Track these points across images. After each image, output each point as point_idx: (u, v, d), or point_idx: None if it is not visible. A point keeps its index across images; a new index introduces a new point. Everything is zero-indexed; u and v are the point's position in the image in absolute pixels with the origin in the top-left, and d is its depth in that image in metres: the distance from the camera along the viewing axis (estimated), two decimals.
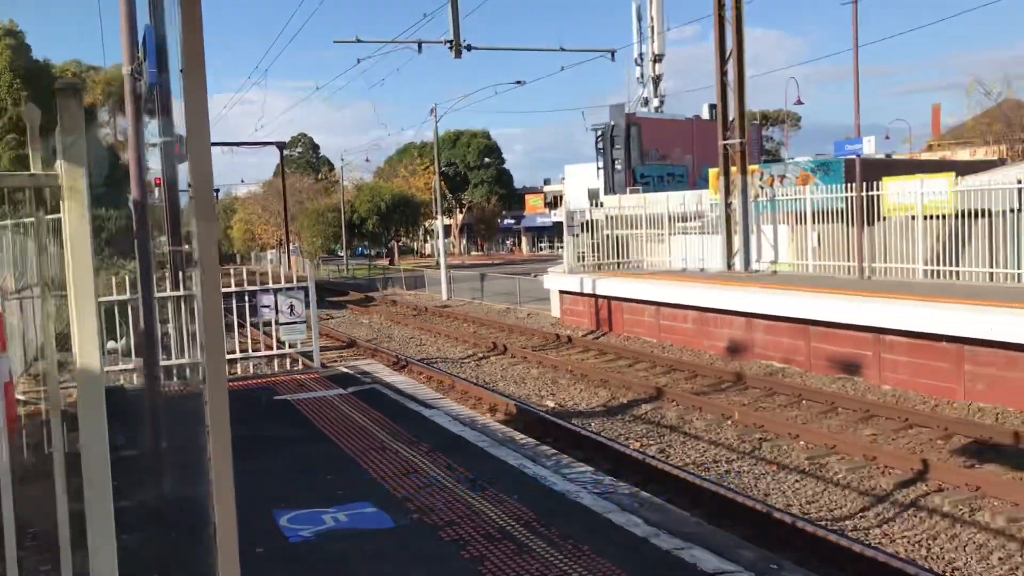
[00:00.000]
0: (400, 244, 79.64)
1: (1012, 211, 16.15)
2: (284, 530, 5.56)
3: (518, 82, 32.65)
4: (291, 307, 11.32)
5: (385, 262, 69.64)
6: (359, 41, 26.50)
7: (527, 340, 21.48)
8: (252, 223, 73.45)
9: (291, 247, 58.64)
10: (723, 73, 21.12)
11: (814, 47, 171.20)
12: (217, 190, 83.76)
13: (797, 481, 9.86)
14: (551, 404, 14.37)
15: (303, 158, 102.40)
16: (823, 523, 8.41)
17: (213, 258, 2.29)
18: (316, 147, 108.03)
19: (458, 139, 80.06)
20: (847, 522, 8.64)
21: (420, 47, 25.56)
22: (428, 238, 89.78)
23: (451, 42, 24.65)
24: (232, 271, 14.24)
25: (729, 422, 12.31)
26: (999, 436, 10.56)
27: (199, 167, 2.29)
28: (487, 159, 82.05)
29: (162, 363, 8.58)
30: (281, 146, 53.12)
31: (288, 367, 12.42)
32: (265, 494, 6.27)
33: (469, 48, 24.43)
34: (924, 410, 12.26)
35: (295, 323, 11.40)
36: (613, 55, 27.47)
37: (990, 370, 12.29)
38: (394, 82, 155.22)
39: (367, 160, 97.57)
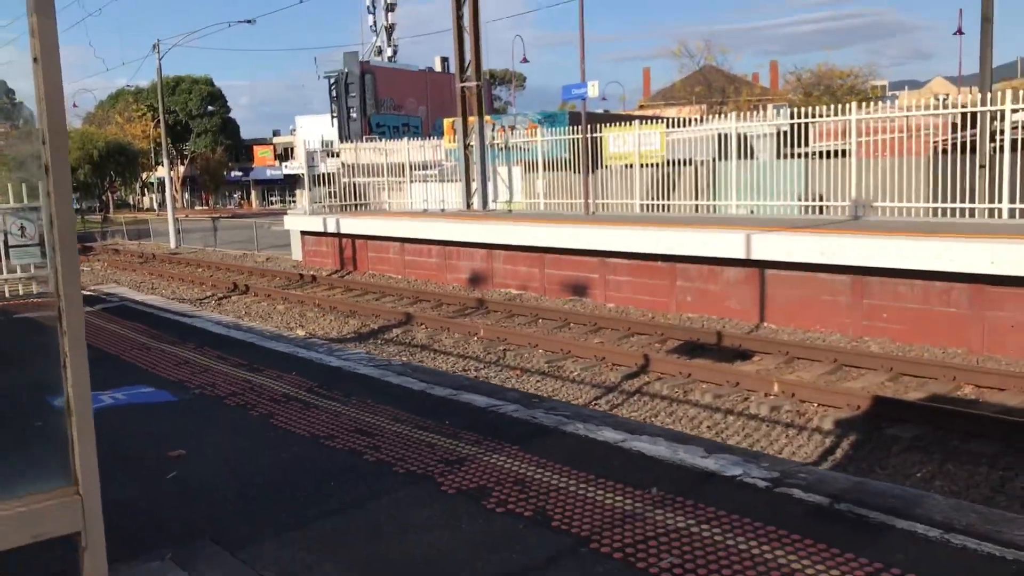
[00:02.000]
0: (115, 198, 74.12)
1: (712, 160, 18.44)
2: (62, 409, 5.48)
3: (248, 21, 31.36)
4: (22, 229, 10.60)
5: (99, 217, 64.51)
6: None
7: (269, 281, 21.22)
8: None
9: None
10: (459, 17, 21.84)
11: (533, 7, 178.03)
12: None
13: (539, 381, 10.83)
14: (302, 333, 14.47)
15: None
16: None
17: (65, 170, 2.45)
18: (11, 92, 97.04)
19: (178, 85, 75.31)
20: (583, 409, 9.68)
21: None
22: (146, 191, 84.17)
23: None
24: None
25: (475, 339, 13.13)
26: (705, 337, 12.18)
27: (50, 83, 2.42)
28: (211, 107, 77.98)
29: None
30: None
31: (20, 292, 11.59)
32: (30, 387, 6.08)
33: None
34: (644, 320, 13.79)
35: (27, 246, 10.69)
36: None
37: (696, 283, 14.06)
38: (112, 19, 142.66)
39: (75, 106, 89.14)
